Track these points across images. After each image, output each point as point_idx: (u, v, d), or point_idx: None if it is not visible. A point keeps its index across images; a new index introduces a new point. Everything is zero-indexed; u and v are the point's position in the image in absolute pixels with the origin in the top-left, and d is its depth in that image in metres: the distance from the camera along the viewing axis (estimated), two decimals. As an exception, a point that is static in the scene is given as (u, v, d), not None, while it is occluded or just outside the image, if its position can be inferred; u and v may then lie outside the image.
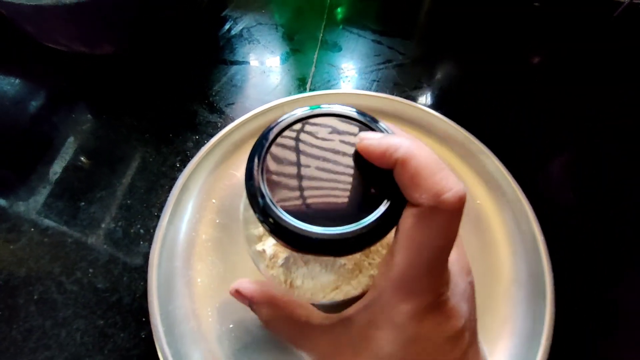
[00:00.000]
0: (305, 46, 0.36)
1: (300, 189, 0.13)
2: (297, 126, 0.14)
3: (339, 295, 0.16)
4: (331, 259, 0.16)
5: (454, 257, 0.14)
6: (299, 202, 0.13)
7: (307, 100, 0.29)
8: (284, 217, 0.13)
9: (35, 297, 0.22)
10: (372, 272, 0.17)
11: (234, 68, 0.34)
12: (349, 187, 0.13)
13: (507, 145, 0.28)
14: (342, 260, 0.17)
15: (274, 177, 0.13)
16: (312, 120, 0.14)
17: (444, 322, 0.13)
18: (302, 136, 0.14)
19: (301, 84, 0.33)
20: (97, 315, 0.21)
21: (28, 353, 0.20)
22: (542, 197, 0.26)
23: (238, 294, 0.17)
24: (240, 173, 0.26)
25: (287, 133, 0.14)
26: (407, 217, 0.13)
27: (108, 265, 0.23)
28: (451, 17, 0.39)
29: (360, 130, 0.14)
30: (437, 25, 0.39)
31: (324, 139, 0.14)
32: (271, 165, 0.14)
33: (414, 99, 0.31)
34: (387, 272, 0.13)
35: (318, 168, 0.14)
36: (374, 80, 0.33)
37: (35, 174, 0.27)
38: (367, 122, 0.14)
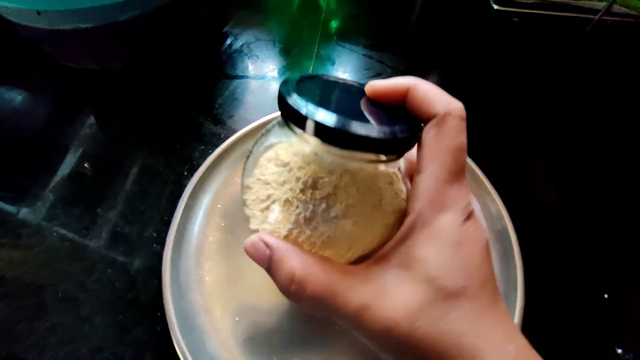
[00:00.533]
0: (301, 60, 0.39)
1: (334, 109, 0.14)
2: (312, 79, 0.16)
3: (357, 252, 0.16)
4: (326, 229, 0.15)
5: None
6: (336, 116, 0.13)
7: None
8: (335, 118, 0.13)
9: (60, 295, 0.24)
10: (388, 211, 0.16)
11: (235, 82, 0.36)
12: (375, 112, 0.15)
13: (488, 150, 0.31)
14: (341, 224, 0.15)
15: (309, 98, 0.14)
16: (324, 78, 0.17)
17: (478, 228, 0.14)
18: (319, 83, 0.16)
19: (298, 96, 0.36)
20: (116, 311, 0.24)
21: (55, 346, 0.22)
22: (519, 197, 0.28)
23: (261, 242, 0.15)
24: (243, 180, 0.29)
25: (305, 82, 0.16)
26: (428, 133, 0.14)
27: (125, 266, 0.25)
28: (436, 32, 0.42)
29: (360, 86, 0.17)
30: (422, 40, 0.42)
31: (340, 88, 0.16)
32: (302, 91, 0.14)
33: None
34: (420, 193, 0.14)
35: (341, 100, 0.15)
36: (365, 93, 0.36)
37: (54, 183, 0.29)
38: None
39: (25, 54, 0.36)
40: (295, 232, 0.15)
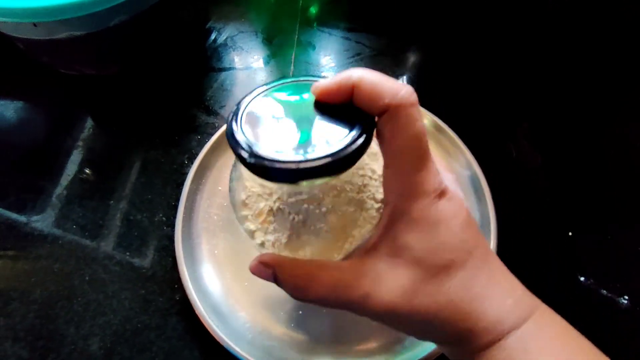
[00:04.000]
0: (283, 48, 0.41)
1: (280, 134, 0.14)
2: (263, 94, 0.16)
3: (353, 244, 0.17)
4: (332, 210, 0.17)
5: (434, 160, 0.15)
6: (281, 143, 0.14)
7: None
8: (272, 156, 0.13)
9: (87, 278, 0.27)
10: (372, 204, 0.17)
11: (223, 74, 0.38)
12: (321, 125, 0.14)
13: (462, 119, 0.34)
14: (332, 218, 0.17)
15: (253, 130, 0.14)
16: (275, 89, 0.16)
17: (452, 204, 0.15)
18: (269, 102, 0.16)
19: (283, 82, 0.38)
20: (139, 287, 0.27)
21: (89, 320, 0.26)
22: (491, 162, 0.31)
23: (262, 266, 0.16)
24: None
25: (256, 100, 0.16)
26: (383, 126, 0.14)
27: (141, 248, 0.28)
28: (412, 8, 0.44)
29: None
30: (398, 18, 0.44)
31: (287, 101, 0.16)
32: (248, 120, 0.15)
33: (381, 86, 0.36)
34: (390, 186, 0.15)
35: (289, 118, 0.15)
36: (346, 73, 0.38)
37: (66, 182, 0.32)
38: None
39: (23, 65, 0.38)
40: (294, 235, 0.17)
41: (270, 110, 0.15)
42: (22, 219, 0.30)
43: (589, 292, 0.26)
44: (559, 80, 0.38)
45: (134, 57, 0.36)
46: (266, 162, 0.13)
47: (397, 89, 0.14)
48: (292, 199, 0.17)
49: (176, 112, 0.36)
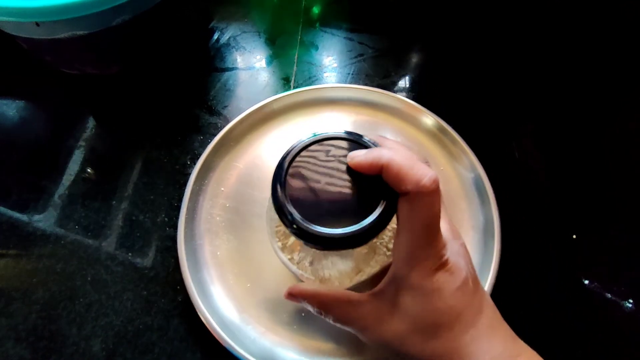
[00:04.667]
0: (286, 48, 0.41)
1: (316, 201, 0.17)
2: (303, 153, 0.18)
3: (363, 277, 0.21)
4: (349, 250, 0.21)
5: (445, 227, 0.18)
6: (317, 211, 0.17)
7: (292, 96, 0.34)
8: (309, 226, 0.17)
9: (89, 278, 0.27)
10: (384, 250, 0.21)
11: (226, 74, 0.38)
12: (352, 194, 0.17)
13: (465, 120, 0.33)
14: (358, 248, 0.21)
15: (295, 195, 0.17)
16: (312, 147, 0.19)
17: (449, 276, 0.17)
18: (309, 160, 0.18)
19: (286, 82, 0.38)
20: (141, 288, 0.27)
21: (91, 320, 0.26)
22: (495, 163, 0.31)
23: (292, 296, 0.21)
24: (241, 164, 0.31)
25: (296, 160, 0.18)
26: (402, 205, 0.16)
27: (143, 249, 0.28)
28: (415, 8, 0.44)
29: (350, 148, 0.18)
30: (401, 19, 0.44)
31: (325, 160, 0.18)
32: (290, 187, 0.18)
33: (384, 87, 0.36)
34: (398, 252, 0.18)
35: (326, 183, 0.18)
36: (348, 74, 0.38)
37: (69, 182, 0.32)
38: (355, 139, 0.18)
39: (25, 64, 0.38)
40: (316, 261, 0.22)
41: (309, 172, 0.18)
42: (24, 218, 0.30)
43: (593, 295, 0.26)
44: (562, 81, 0.38)
45: (137, 57, 0.36)
46: (306, 230, 0.17)
47: (420, 176, 0.16)
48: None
49: (179, 112, 0.36)
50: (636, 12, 0.41)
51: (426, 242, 0.17)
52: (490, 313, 0.18)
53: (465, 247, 0.19)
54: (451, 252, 0.18)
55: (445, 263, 0.17)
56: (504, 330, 0.18)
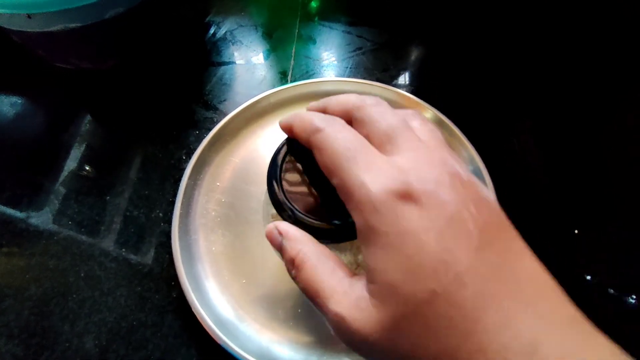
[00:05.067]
0: (283, 42, 0.40)
1: (312, 193, 0.17)
2: (299, 144, 0.18)
3: (360, 271, 0.21)
4: (347, 243, 0.21)
5: (410, 156, 0.13)
6: (313, 203, 0.17)
7: (289, 90, 0.33)
8: (304, 217, 0.17)
9: (82, 274, 0.27)
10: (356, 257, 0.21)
11: (222, 68, 0.38)
12: None
13: (465, 114, 0.33)
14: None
15: (291, 187, 0.18)
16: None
17: (420, 211, 0.12)
18: (305, 151, 0.18)
19: (283, 76, 0.37)
20: (135, 284, 0.26)
21: (84, 317, 0.25)
22: (494, 157, 0.31)
23: (276, 231, 0.16)
24: (237, 159, 0.31)
25: (293, 152, 0.18)
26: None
27: (137, 245, 0.28)
28: (414, 3, 0.43)
29: None
30: (400, 12, 0.43)
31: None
32: (287, 178, 0.18)
33: (383, 81, 0.36)
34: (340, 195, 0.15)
35: (323, 175, 0.17)
36: (347, 67, 0.38)
37: (62, 178, 0.31)
38: None
39: (20, 60, 0.37)
40: None
41: (305, 164, 0.18)
42: (17, 214, 0.29)
43: (595, 291, 0.26)
44: (562, 76, 0.37)
45: (131, 51, 0.35)
46: (301, 222, 0.17)
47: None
48: None
49: (175, 107, 0.35)
50: (635, 7, 0.41)
51: (354, 164, 0.13)
52: (532, 291, 0.12)
53: (461, 179, 0.13)
54: (420, 178, 0.12)
55: (410, 193, 0.12)
56: (564, 308, 0.12)
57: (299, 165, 0.18)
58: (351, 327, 0.13)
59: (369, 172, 0.13)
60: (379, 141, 0.14)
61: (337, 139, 0.14)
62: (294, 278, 0.16)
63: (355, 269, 0.21)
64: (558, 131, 0.34)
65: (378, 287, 0.12)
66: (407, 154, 0.13)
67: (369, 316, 0.12)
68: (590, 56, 0.39)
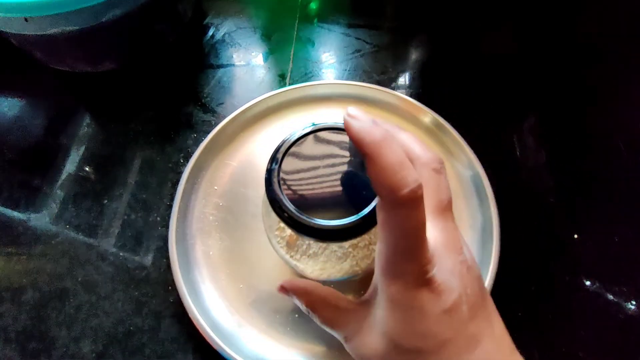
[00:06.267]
0: (282, 44, 0.40)
1: (311, 193, 0.17)
2: (299, 143, 0.18)
3: (359, 272, 0.21)
4: (332, 248, 0.21)
5: (439, 239, 0.16)
6: (312, 203, 0.17)
7: (287, 93, 0.33)
8: (300, 216, 0.16)
9: (79, 279, 0.27)
10: (357, 260, 0.21)
11: (221, 71, 0.38)
12: (349, 185, 0.17)
13: (464, 117, 0.33)
14: (334, 247, 0.22)
15: (289, 187, 0.17)
16: (307, 138, 0.18)
17: (434, 297, 0.15)
18: (304, 150, 0.18)
19: (281, 79, 0.37)
20: (132, 288, 0.26)
21: (81, 322, 0.25)
22: (494, 161, 0.30)
23: (284, 289, 0.20)
24: (235, 162, 0.31)
25: (292, 150, 0.18)
26: (379, 210, 0.15)
27: (135, 249, 0.28)
28: (413, 5, 0.43)
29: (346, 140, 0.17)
30: (399, 14, 0.43)
31: (322, 153, 0.18)
32: (284, 175, 0.17)
33: (381, 84, 0.35)
34: (377, 261, 0.16)
35: (322, 175, 0.17)
36: (345, 70, 0.37)
37: (60, 181, 0.31)
38: None
39: (18, 62, 0.37)
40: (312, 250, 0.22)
41: (303, 163, 0.17)
42: (15, 217, 0.29)
43: (595, 296, 0.25)
44: (562, 79, 0.37)
45: (129, 54, 0.35)
46: (301, 222, 0.16)
47: (400, 186, 0.13)
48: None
49: (172, 110, 0.35)
50: (634, 8, 0.40)
51: (402, 257, 0.14)
52: (490, 347, 0.15)
53: (467, 265, 0.16)
54: (440, 270, 0.15)
55: (429, 281, 0.15)
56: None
57: (300, 163, 0.17)
58: (354, 346, 0.18)
59: (413, 264, 0.15)
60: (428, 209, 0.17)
61: (410, 219, 0.14)
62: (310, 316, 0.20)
63: (350, 268, 0.21)
64: (558, 135, 0.33)
65: (379, 329, 0.16)
66: (434, 233, 0.16)
67: (368, 343, 0.17)
68: (591, 57, 0.38)
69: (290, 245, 0.22)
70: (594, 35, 0.40)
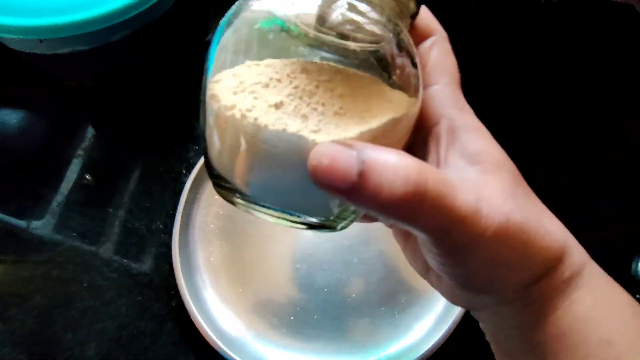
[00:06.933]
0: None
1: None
2: None
3: (373, 125, 0.12)
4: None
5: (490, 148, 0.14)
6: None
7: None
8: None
9: (85, 284, 0.28)
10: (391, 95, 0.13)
11: (221, 86, 0.39)
12: None
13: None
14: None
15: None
16: None
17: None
18: None
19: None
20: (135, 293, 0.27)
21: (86, 326, 0.26)
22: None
23: (339, 145, 0.10)
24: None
25: None
26: (432, 48, 0.16)
27: (138, 255, 0.29)
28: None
29: None
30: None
31: None
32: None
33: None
34: (443, 100, 0.15)
35: None
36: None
37: (66, 190, 0.32)
38: None
39: (24, 74, 0.39)
40: (293, 103, 0.11)
41: None
42: (22, 225, 0.30)
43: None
44: (561, 80, 0.37)
45: (135, 68, 0.37)
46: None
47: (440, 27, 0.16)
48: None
49: (175, 122, 0.37)
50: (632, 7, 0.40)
51: (460, 88, 0.15)
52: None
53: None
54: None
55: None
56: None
57: None
58: (490, 211, 0.11)
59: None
60: None
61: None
62: (407, 205, 0.10)
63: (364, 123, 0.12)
64: (558, 136, 0.34)
65: (489, 165, 0.13)
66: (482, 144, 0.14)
67: (496, 192, 0.12)
68: (591, 58, 0.39)
69: None
70: (593, 36, 0.41)
